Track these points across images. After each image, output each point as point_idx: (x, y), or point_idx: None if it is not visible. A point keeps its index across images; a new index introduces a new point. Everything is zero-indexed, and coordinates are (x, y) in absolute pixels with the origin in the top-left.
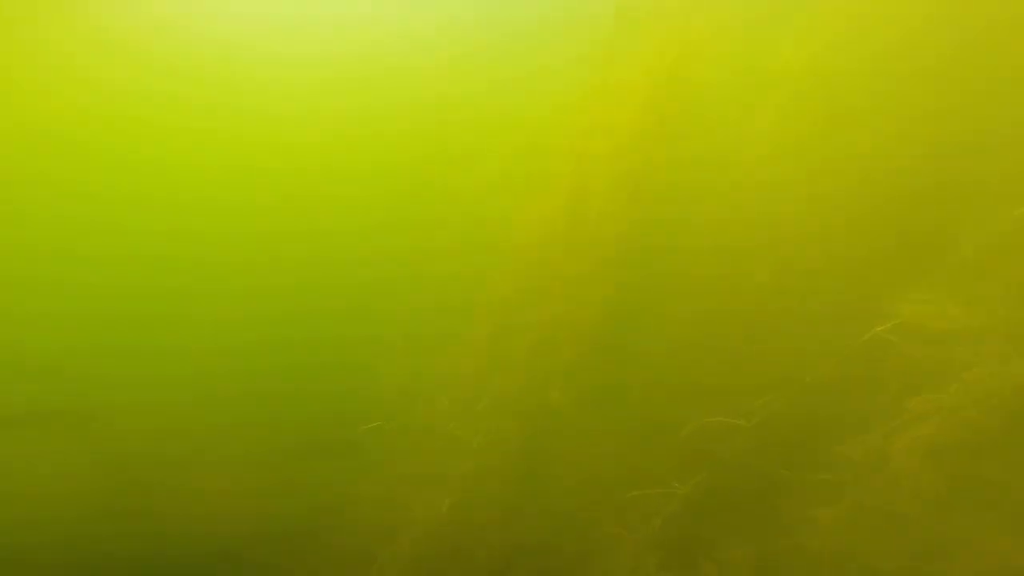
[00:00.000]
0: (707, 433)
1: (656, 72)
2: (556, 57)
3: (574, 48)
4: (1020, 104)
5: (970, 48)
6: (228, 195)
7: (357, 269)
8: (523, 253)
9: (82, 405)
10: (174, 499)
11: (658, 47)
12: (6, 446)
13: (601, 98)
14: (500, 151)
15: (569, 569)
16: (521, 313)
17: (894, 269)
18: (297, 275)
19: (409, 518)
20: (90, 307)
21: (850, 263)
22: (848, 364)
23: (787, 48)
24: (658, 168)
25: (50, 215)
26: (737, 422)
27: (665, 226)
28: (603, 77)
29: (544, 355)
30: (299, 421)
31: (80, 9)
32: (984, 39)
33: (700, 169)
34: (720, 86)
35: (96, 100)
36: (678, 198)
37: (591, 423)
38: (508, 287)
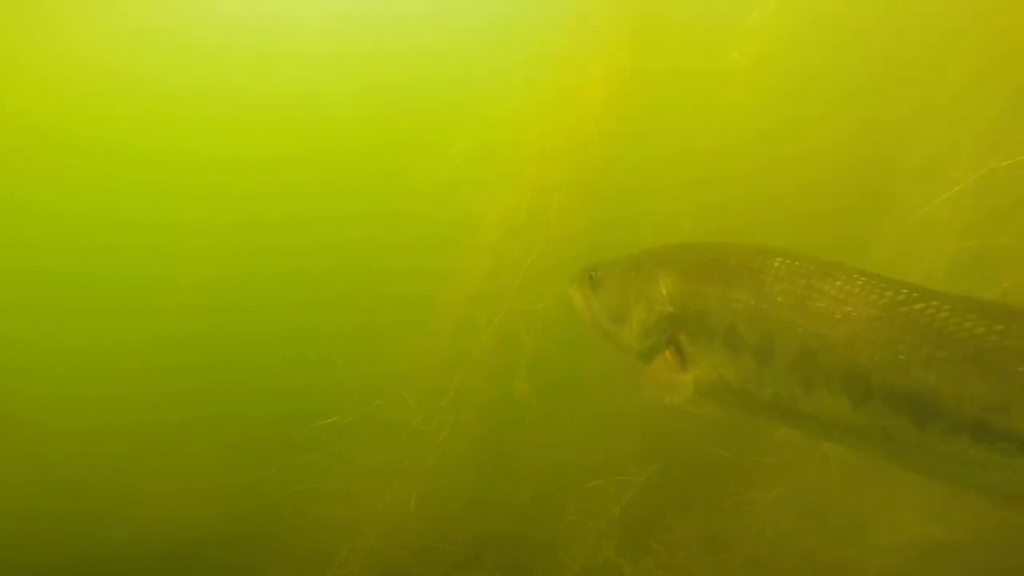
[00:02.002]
0: (662, 423)
1: (615, 71)
2: (517, 56)
3: (535, 47)
4: (923, 117)
5: (902, 59)
6: (180, 182)
7: (317, 261)
8: (485, 247)
9: (3, 400)
10: (112, 501)
11: (616, 47)
12: None
13: (562, 97)
14: (462, 148)
15: (534, 558)
16: (483, 307)
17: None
18: (253, 265)
19: (373, 512)
20: (22, 297)
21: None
22: None
23: (737, 48)
24: (618, 164)
25: None
26: (690, 412)
27: (625, 221)
28: (563, 76)
29: (506, 348)
30: (255, 416)
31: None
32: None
33: (657, 166)
34: (676, 85)
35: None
36: (637, 194)
37: (554, 415)
38: (470, 281)
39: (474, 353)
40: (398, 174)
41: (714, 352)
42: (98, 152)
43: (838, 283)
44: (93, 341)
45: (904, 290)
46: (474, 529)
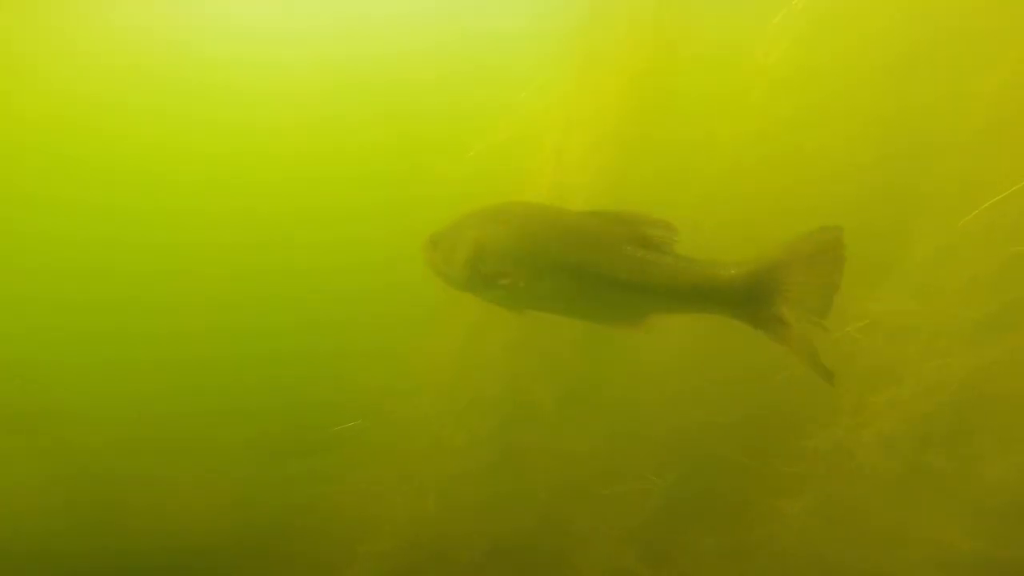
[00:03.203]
0: (684, 430)
1: (633, 68)
2: (532, 53)
3: (551, 44)
4: (974, 109)
5: (933, 50)
6: (207, 178)
7: (335, 272)
8: None
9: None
10: (140, 491)
11: (634, 44)
12: None
13: (579, 94)
14: (477, 149)
15: (550, 564)
16: (500, 311)
17: (862, 267)
18: (275, 283)
19: (390, 518)
20: (57, 291)
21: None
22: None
23: (761, 47)
24: (637, 164)
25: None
26: (714, 419)
27: None
28: (580, 73)
29: (523, 353)
30: (276, 413)
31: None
32: (945, 43)
33: (678, 165)
34: (697, 83)
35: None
36: (658, 193)
37: (571, 421)
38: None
39: (491, 359)
40: (410, 181)
41: (504, 268)
42: (135, 152)
43: (554, 216)
44: (123, 332)
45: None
46: (489, 534)
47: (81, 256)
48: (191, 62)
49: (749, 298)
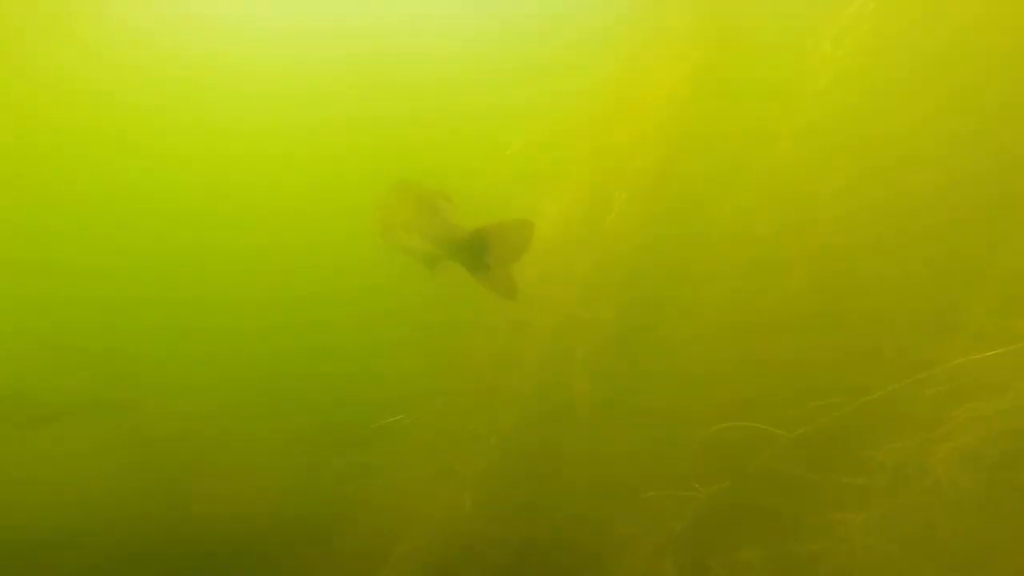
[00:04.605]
0: (736, 438)
1: (682, 62)
2: (576, 44)
3: (597, 34)
4: None
5: (1009, 64)
6: (256, 207)
7: (376, 271)
8: (539, 249)
9: (119, 398)
10: (200, 480)
11: (685, 37)
12: (47, 443)
13: (622, 86)
14: (518, 142)
15: (582, 567)
16: (537, 309)
17: (952, 279)
18: (325, 280)
19: (427, 513)
20: (144, 288)
21: (914, 273)
22: (900, 374)
23: (826, 44)
24: (688, 159)
25: (84, 214)
26: (774, 431)
27: (691, 216)
28: (626, 65)
29: (561, 351)
30: (321, 418)
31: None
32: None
33: (731, 168)
34: (752, 80)
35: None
36: (705, 189)
37: (610, 423)
38: (523, 285)
39: (528, 357)
40: (453, 173)
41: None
42: (215, 167)
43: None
44: (190, 327)
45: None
46: (523, 533)
47: (158, 259)
48: (225, 67)
49: (470, 249)
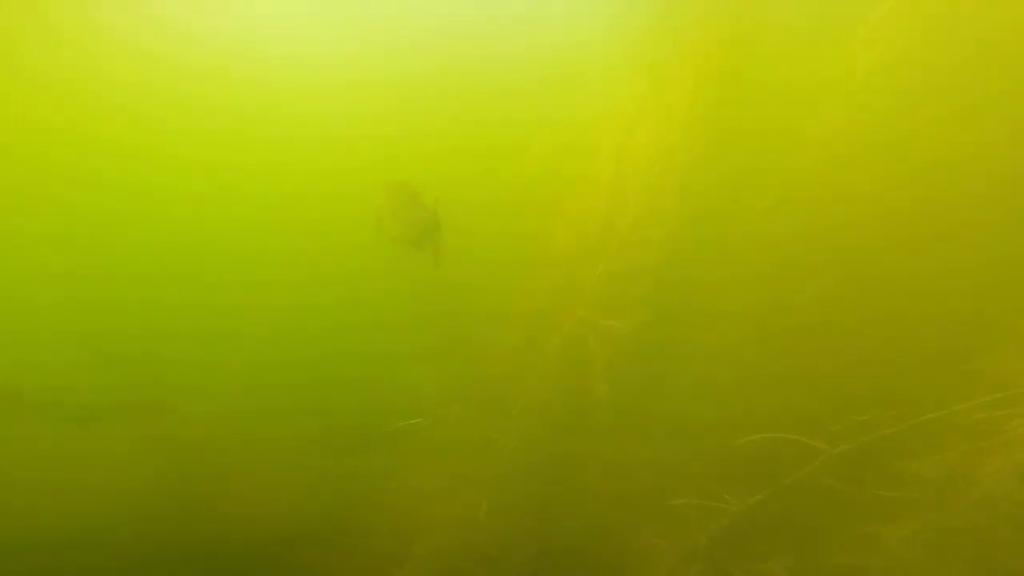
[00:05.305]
0: (769, 450)
1: (707, 64)
2: (597, 53)
3: (617, 44)
4: None
5: None
6: (285, 216)
7: (398, 279)
8: (557, 255)
9: (153, 400)
10: (226, 481)
11: (710, 39)
12: (88, 443)
13: (643, 96)
14: (536, 151)
15: (598, 573)
16: (555, 316)
17: (999, 281)
18: (347, 287)
19: (444, 517)
20: (176, 295)
21: (955, 274)
22: (954, 389)
23: (854, 49)
24: (707, 163)
25: (116, 212)
26: (813, 444)
27: (715, 219)
28: (647, 74)
29: (577, 357)
30: (340, 422)
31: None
32: None
33: (755, 174)
34: (779, 82)
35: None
36: (729, 192)
37: (630, 428)
38: (541, 290)
39: (545, 362)
40: (469, 187)
41: None
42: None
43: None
44: (218, 334)
45: None
46: (540, 541)
47: (191, 267)
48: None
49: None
